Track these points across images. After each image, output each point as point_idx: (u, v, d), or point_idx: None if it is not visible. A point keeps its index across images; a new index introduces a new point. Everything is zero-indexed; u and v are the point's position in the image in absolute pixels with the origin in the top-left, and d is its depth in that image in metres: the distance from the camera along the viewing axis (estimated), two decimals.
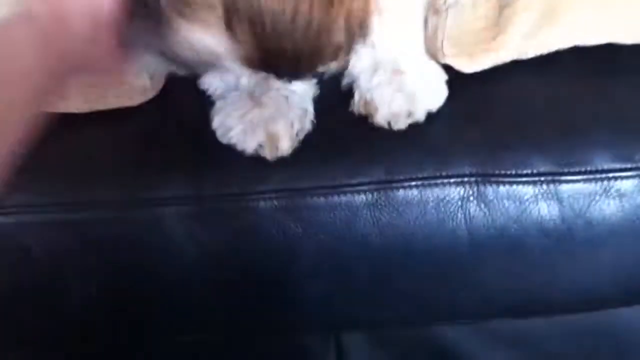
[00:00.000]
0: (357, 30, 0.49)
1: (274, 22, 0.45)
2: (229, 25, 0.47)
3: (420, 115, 0.64)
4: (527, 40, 0.68)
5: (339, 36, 0.48)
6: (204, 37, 0.48)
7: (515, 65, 0.69)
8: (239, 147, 0.63)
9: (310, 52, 0.48)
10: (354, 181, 0.64)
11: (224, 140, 0.64)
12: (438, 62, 0.69)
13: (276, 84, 0.65)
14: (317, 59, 0.50)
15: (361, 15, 0.49)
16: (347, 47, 0.50)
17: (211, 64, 0.51)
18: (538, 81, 0.69)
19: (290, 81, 0.56)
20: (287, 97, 0.64)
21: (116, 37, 0.48)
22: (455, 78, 0.68)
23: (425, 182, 0.64)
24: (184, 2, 0.46)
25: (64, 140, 0.68)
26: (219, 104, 0.66)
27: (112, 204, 0.67)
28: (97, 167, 0.68)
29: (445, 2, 0.69)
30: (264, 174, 0.64)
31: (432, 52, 0.70)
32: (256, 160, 0.64)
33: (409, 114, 0.64)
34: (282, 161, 0.64)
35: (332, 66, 0.54)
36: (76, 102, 0.69)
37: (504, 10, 0.68)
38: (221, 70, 0.63)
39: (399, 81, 0.64)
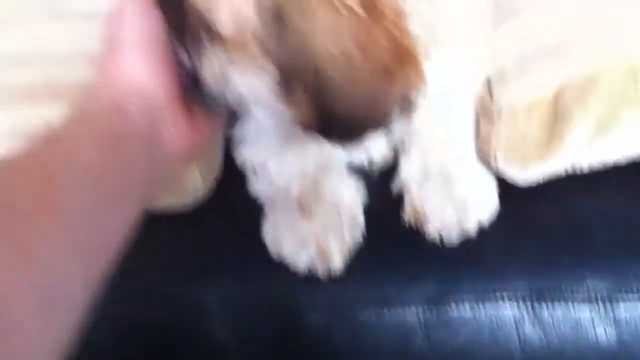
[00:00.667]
0: (411, 97, 0.50)
1: (332, 86, 0.46)
2: (286, 86, 0.47)
3: (471, 228, 0.63)
4: (582, 150, 0.66)
5: (394, 103, 0.49)
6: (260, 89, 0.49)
7: (569, 178, 0.67)
8: (292, 266, 0.63)
9: (364, 117, 0.49)
10: (404, 297, 0.63)
11: (275, 257, 0.64)
12: (489, 169, 0.68)
13: (326, 192, 0.65)
14: (370, 125, 0.50)
15: (415, 83, 0.49)
16: (401, 114, 0.50)
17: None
18: (592, 195, 0.68)
19: (342, 146, 0.56)
20: (337, 207, 0.63)
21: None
22: (507, 189, 0.66)
23: (479, 298, 0.63)
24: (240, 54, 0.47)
25: None
26: (269, 216, 0.65)
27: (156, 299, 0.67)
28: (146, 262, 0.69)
29: (497, 108, 0.68)
30: (314, 286, 0.64)
31: (484, 158, 0.69)
32: None
33: (460, 227, 0.63)
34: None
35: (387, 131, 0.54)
36: None
37: (559, 117, 0.66)
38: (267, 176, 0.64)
39: (449, 190, 0.63)
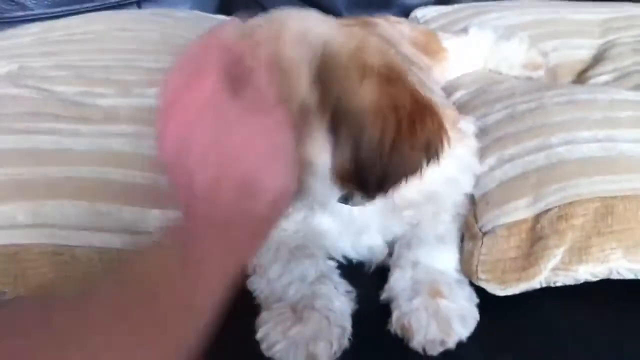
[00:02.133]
0: (436, 145, 0.60)
1: (370, 142, 0.56)
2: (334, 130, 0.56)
3: (452, 343, 0.68)
4: (556, 271, 0.72)
5: (420, 150, 0.59)
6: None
7: (546, 289, 0.73)
8: None
9: (396, 168, 0.58)
10: None
11: (267, 353, 0.68)
12: (471, 282, 0.74)
13: (319, 299, 0.70)
14: (402, 174, 0.60)
15: (436, 132, 0.60)
16: (428, 161, 0.60)
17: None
18: (567, 309, 0.73)
19: (374, 198, 0.62)
20: (328, 316, 0.69)
21: None
22: (486, 298, 0.72)
23: None
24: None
25: None
26: (264, 315, 0.71)
27: None
28: None
29: (481, 229, 0.74)
30: None
31: (467, 274, 0.75)
32: None
33: (443, 343, 0.68)
34: None
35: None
36: None
37: (536, 243, 0.72)
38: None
39: (435, 306, 0.68)
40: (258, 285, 0.75)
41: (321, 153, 0.58)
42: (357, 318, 0.73)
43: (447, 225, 0.77)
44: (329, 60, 0.56)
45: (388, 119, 0.57)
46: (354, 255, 0.80)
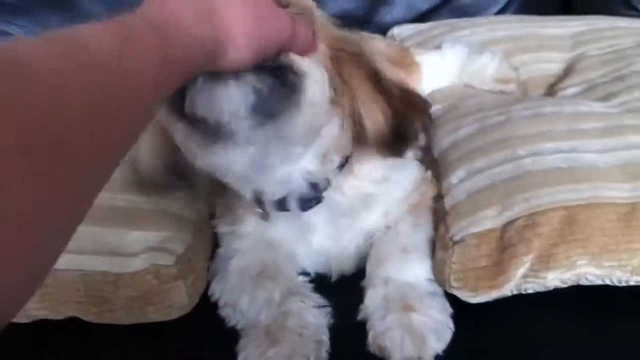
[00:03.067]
0: (425, 123, 0.77)
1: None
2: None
3: (428, 357, 0.70)
4: (526, 279, 0.74)
5: (417, 126, 0.75)
6: None
7: (520, 297, 0.75)
8: None
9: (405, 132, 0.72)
10: None
11: None
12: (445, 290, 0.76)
13: (292, 318, 0.72)
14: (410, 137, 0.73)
15: (425, 115, 0.78)
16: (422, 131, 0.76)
17: None
18: (538, 317, 0.76)
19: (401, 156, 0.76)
20: (301, 333, 0.71)
21: None
22: (460, 306, 0.75)
23: None
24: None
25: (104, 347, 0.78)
26: (242, 342, 0.73)
27: None
28: None
29: (452, 238, 0.77)
30: None
31: (440, 282, 0.77)
32: None
33: (419, 356, 0.69)
34: None
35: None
36: (120, 316, 0.78)
37: (505, 251, 0.75)
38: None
39: (408, 322, 0.70)
40: (233, 318, 0.78)
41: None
42: (339, 332, 0.75)
43: (408, 236, 0.79)
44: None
45: (398, 108, 0.70)
46: (309, 263, 0.83)
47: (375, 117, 0.68)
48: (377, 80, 0.68)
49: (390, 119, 0.69)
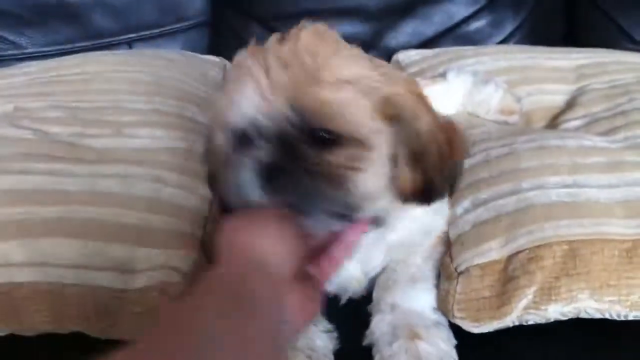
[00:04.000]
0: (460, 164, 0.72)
1: (430, 159, 0.65)
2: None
3: None
4: (528, 310, 0.75)
5: (459, 166, 0.71)
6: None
7: (520, 328, 0.77)
8: None
9: (444, 178, 0.68)
10: None
11: None
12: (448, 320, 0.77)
13: (302, 341, 0.74)
14: (450, 182, 0.70)
15: (464, 155, 0.73)
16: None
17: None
18: (539, 348, 0.77)
19: (429, 203, 0.70)
20: (310, 356, 0.72)
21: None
22: (463, 335, 0.76)
23: None
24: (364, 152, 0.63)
25: None
26: None
27: None
28: None
29: (456, 269, 0.78)
30: None
31: (443, 311, 0.78)
32: None
33: None
34: None
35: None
36: (125, 331, 0.78)
37: (508, 283, 0.76)
38: None
39: (415, 350, 0.72)
40: None
41: (380, 180, 0.65)
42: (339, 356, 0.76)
43: (419, 267, 0.81)
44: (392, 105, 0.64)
45: (441, 146, 0.67)
46: (331, 284, 0.82)
47: (410, 180, 0.67)
48: (421, 154, 0.67)
49: (423, 182, 0.67)
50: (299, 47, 0.62)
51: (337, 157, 0.61)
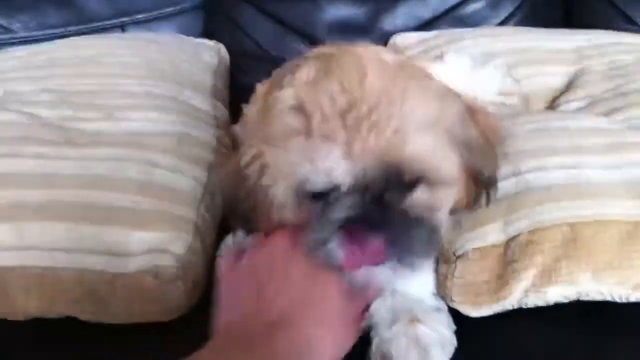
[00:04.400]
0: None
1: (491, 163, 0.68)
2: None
3: None
4: (527, 293, 0.74)
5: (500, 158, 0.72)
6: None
7: (519, 310, 0.76)
8: None
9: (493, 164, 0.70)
10: None
11: None
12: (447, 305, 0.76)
13: None
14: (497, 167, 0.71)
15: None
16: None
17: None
18: (539, 331, 0.76)
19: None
20: None
21: None
22: (462, 320, 0.74)
23: None
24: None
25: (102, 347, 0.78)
26: None
27: None
28: None
29: (454, 252, 0.77)
30: None
31: (442, 296, 0.77)
32: None
33: None
34: None
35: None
36: (118, 315, 0.77)
37: (507, 266, 0.75)
38: None
39: (414, 333, 0.70)
40: None
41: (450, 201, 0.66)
42: None
43: None
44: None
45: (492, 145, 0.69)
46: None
47: (466, 193, 0.68)
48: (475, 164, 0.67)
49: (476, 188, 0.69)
50: (366, 91, 0.59)
51: (424, 198, 0.61)
